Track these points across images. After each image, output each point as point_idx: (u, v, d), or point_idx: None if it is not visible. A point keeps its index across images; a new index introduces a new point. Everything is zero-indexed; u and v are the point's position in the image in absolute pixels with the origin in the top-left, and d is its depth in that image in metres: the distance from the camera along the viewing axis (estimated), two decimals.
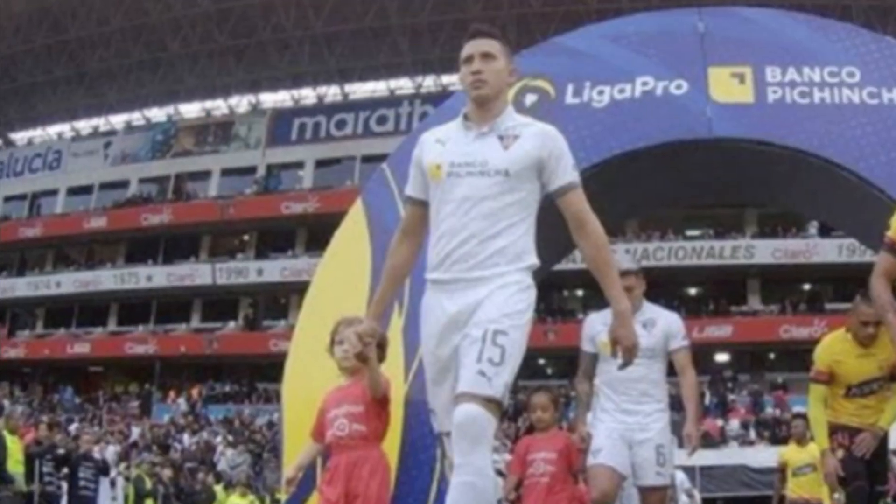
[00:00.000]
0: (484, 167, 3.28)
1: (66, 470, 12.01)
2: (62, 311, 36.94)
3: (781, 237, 29.50)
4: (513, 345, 3.15)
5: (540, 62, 6.03)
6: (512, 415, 20.59)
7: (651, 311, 5.03)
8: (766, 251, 29.33)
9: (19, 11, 33.51)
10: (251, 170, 36.45)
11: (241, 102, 38.49)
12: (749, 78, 5.77)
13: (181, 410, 30.03)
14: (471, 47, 3.37)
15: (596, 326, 4.86)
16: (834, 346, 5.18)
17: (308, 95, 37.89)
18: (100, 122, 40.05)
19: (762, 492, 15.97)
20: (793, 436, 8.95)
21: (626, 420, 4.85)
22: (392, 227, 4.37)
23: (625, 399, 4.87)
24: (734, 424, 22.79)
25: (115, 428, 26.30)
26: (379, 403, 4.21)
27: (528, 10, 31.82)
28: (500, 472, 6.10)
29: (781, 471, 8.89)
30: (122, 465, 17.73)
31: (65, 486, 12.10)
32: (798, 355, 22.33)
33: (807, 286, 31.30)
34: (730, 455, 19.81)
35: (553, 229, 3.51)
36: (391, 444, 4.64)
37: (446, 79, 34.48)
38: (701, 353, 13.19)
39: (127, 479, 15.54)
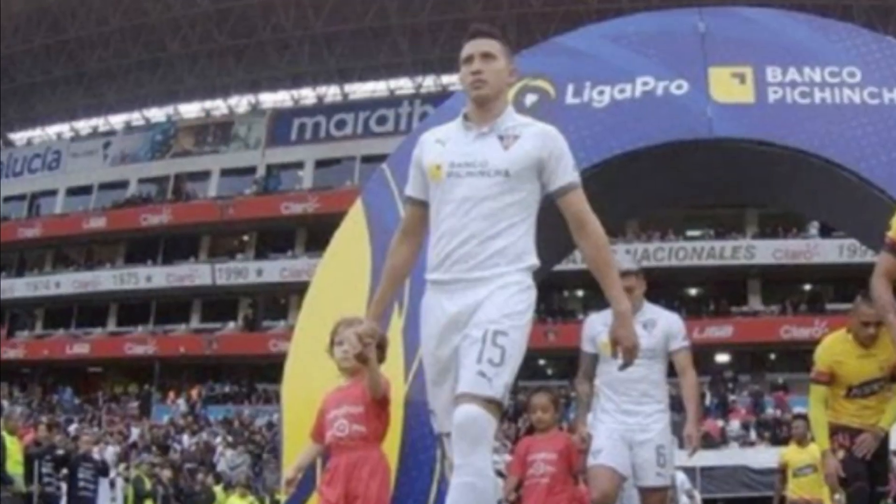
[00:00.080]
0: (484, 167, 3.27)
1: (65, 471, 12.01)
2: (61, 312, 36.91)
3: (782, 237, 29.48)
4: (513, 345, 3.15)
5: (540, 62, 6.03)
6: (512, 415, 20.58)
7: (651, 311, 5.03)
8: (766, 251, 29.30)
9: (18, 11, 33.49)
10: (251, 170, 36.41)
11: (240, 102, 38.46)
12: (750, 78, 5.77)
13: (181, 411, 30.02)
14: (471, 47, 3.37)
15: (596, 327, 4.85)
16: (835, 347, 5.17)
17: (308, 95, 37.87)
18: (99, 123, 40.02)
19: (763, 493, 15.97)
20: (793, 436, 8.95)
21: (627, 421, 4.85)
22: (392, 227, 4.37)
23: (625, 400, 4.86)
24: (735, 425, 22.79)
25: (115, 428, 26.29)
26: (379, 404, 4.19)
27: (528, 10, 31.81)
28: (500, 473, 6.10)
29: (782, 471, 8.90)
30: (122, 466, 17.75)
31: (64, 486, 12.10)
32: (799, 356, 22.32)
33: (807, 287, 31.28)
34: (730, 456, 19.81)
35: (553, 230, 3.50)
36: (391, 445, 4.63)
37: (446, 79, 34.45)
38: (701, 354, 13.20)
39: (126, 479, 15.57)
